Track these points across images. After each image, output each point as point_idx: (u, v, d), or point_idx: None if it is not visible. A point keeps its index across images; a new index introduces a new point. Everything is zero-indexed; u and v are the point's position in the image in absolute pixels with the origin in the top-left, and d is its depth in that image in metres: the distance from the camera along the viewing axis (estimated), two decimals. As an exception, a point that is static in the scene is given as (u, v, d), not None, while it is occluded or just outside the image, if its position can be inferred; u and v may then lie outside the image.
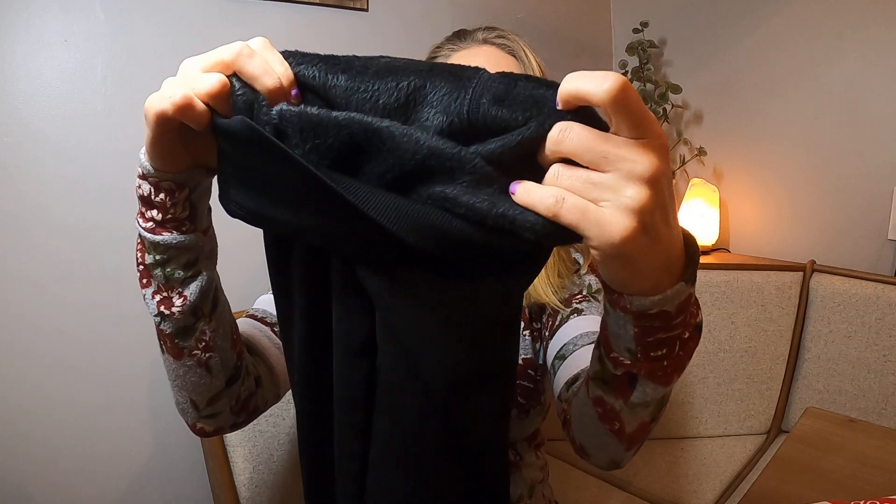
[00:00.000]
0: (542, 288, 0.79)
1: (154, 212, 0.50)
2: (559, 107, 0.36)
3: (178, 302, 0.53)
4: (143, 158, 0.48)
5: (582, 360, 0.70)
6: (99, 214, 0.98)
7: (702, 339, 1.41)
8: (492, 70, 0.46)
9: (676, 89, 1.59)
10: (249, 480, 0.96)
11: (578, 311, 0.78)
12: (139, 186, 0.49)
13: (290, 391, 0.59)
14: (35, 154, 0.92)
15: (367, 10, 1.24)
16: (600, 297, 0.81)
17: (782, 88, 1.57)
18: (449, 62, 0.77)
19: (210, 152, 0.46)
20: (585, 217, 0.35)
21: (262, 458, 0.97)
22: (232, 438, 0.95)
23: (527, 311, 0.82)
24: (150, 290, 0.53)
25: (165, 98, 0.41)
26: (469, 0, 1.43)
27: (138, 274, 0.53)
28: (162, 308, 0.53)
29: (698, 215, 1.58)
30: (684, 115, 1.74)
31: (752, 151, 1.64)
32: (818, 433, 0.97)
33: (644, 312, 0.42)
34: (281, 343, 0.63)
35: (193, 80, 0.41)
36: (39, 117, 0.92)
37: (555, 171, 0.36)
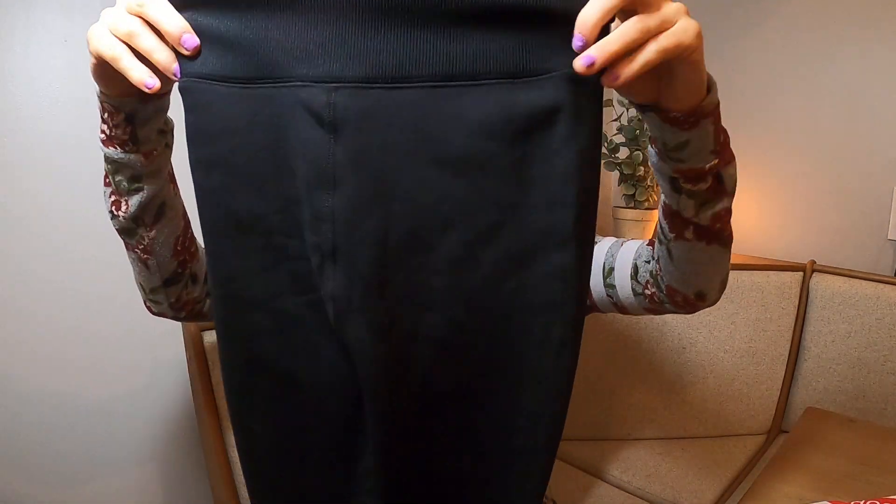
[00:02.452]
0: None
1: (105, 126, 0.57)
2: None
3: (123, 208, 0.62)
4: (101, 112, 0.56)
5: (627, 255, 0.73)
6: (99, 214, 0.98)
7: (702, 340, 1.42)
8: None
9: (676, 89, 1.59)
10: (249, 480, 0.96)
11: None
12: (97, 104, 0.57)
13: None
14: (35, 154, 0.92)
15: (367, 10, 1.24)
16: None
17: (782, 88, 1.57)
18: None
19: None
20: (673, 34, 0.44)
21: (262, 458, 0.97)
22: (232, 439, 0.94)
23: None
24: (108, 190, 0.62)
25: (107, 47, 0.47)
26: (469, 0, 1.43)
27: (103, 174, 0.62)
28: (112, 208, 0.63)
29: (698, 215, 1.58)
30: (684, 115, 1.74)
31: (752, 151, 1.64)
32: (818, 433, 0.97)
33: (716, 105, 0.52)
34: None
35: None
36: (39, 117, 0.92)
37: (623, 28, 0.42)
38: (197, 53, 0.45)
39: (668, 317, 1.43)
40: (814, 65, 1.51)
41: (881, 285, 1.34)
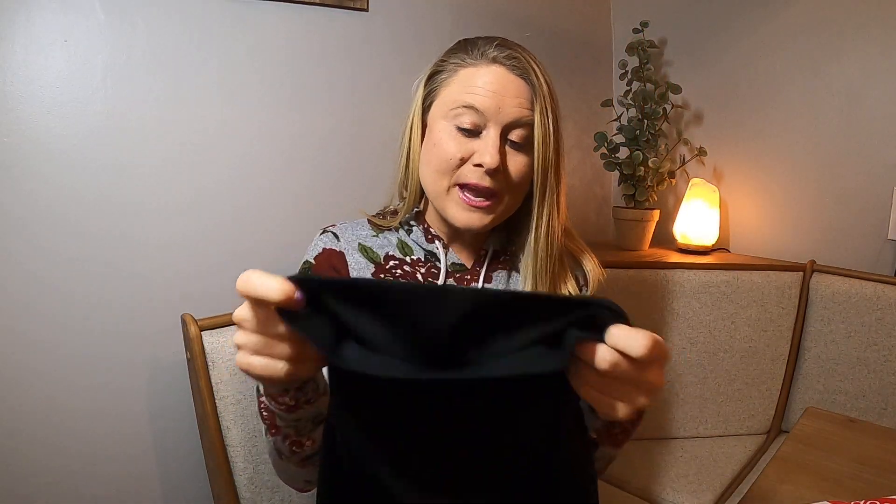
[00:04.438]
0: None
1: (286, 398, 0.56)
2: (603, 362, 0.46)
3: (307, 444, 0.63)
4: (262, 390, 0.58)
5: None
6: (98, 214, 0.98)
7: (702, 340, 1.42)
8: (501, 94, 0.72)
9: (676, 89, 1.59)
10: (249, 480, 0.96)
11: None
12: (266, 400, 0.58)
13: None
14: (34, 154, 0.92)
15: (367, 10, 1.24)
16: None
17: (782, 88, 1.57)
18: (455, 78, 0.77)
19: (308, 364, 0.50)
20: (650, 397, 0.49)
21: (262, 458, 0.97)
22: (232, 439, 0.95)
23: None
24: (279, 437, 0.63)
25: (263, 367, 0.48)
26: (470, 0, 1.43)
27: (265, 425, 0.63)
28: (294, 448, 0.63)
29: (698, 215, 1.59)
30: (684, 115, 1.74)
31: (752, 151, 1.64)
32: (818, 433, 0.97)
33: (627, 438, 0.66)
34: None
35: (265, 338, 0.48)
36: (39, 117, 0.92)
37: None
38: (302, 304, 0.46)
39: (668, 316, 1.43)
40: (814, 65, 1.51)
41: (881, 285, 1.34)
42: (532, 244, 0.80)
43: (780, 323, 1.44)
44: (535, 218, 0.79)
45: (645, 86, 1.60)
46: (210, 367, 0.93)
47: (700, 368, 1.45)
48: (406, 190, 0.84)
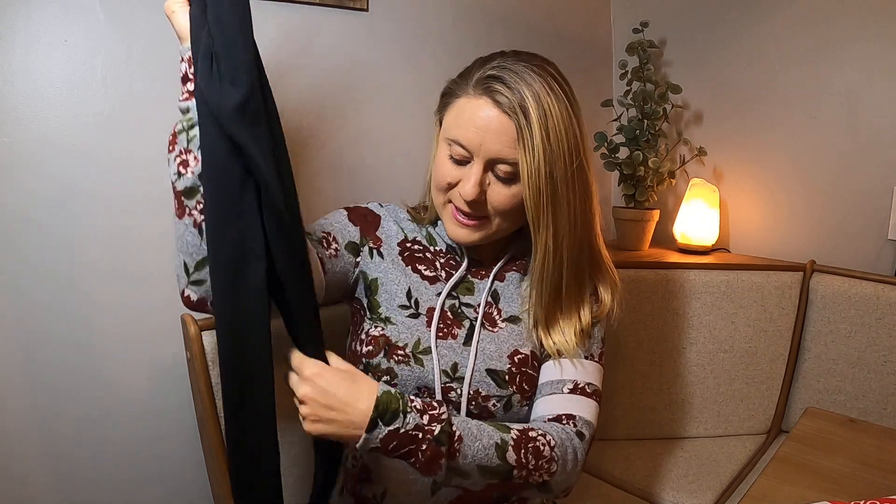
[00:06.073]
0: (564, 344, 0.85)
1: (189, 84, 0.66)
2: None
3: (192, 163, 0.67)
4: (180, 46, 0.67)
5: (536, 409, 0.85)
6: (98, 214, 0.98)
7: (702, 340, 1.42)
8: (484, 131, 0.76)
9: (676, 89, 1.59)
10: (249, 480, 0.96)
11: (558, 353, 0.86)
12: (182, 71, 0.67)
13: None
14: (34, 154, 0.92)
15: (367, 10, 1.23)
16: (594, 331, 0.90)
17: (782, 88, 1.57)
18: (453, 106, 0.80)
19: None
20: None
21: (262, 458, 0.97)
22: (232, 438, 0.94)
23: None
24: (173, 154, 0.68)
25: None
26: (470, 1, 1.43)
27: (168, 140, 0.69)
28: (180, 168, 0.67)
29: (698, 215, 1.59)
30: (684, 115, 1.74)
31: (752, 151, 1.64)
32: (818, 433, 0.97)
33: (375, 445, 0.68)
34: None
35: None
36: (39, 117, 0.92)
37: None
38: None
39: (669, 317, 1.43)
40: (814, 65, 1.51)
41: (881, 285, 1.34)
42: (531, 263, 0.85)
43: (780, 323, 1.44)
44: (534, 244, 0.82)
45: (645, 86, 1.60)
46: (210, 367, 0.93)
47: (700, 368, 1.45)
48: (430, 191, 0.89)
